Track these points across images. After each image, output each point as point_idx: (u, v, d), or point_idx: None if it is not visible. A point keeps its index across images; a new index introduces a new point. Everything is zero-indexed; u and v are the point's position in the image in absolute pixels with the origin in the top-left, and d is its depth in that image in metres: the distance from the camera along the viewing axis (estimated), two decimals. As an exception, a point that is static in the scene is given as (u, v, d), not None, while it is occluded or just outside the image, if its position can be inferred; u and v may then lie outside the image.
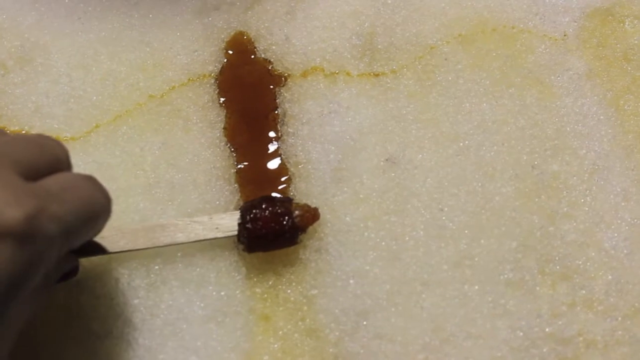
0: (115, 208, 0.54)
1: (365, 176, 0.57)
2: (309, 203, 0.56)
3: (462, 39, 0.62)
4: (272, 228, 0.53)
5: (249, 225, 0.53)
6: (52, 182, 0.42)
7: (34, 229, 0.39)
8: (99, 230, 0.47)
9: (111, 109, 0.60)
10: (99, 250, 0.52)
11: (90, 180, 0.45)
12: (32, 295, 0.42)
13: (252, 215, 0.53)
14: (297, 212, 0.54)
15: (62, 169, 0.45)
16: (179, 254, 0.55)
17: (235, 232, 0.53)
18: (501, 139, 0.59)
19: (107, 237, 0.52)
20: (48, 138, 0.46)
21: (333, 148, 0.58)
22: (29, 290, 0.40)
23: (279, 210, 0.53)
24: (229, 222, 0.54)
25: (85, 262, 0.54)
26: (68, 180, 0.43)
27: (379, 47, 0.62)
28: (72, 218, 0.41)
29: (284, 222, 0.53)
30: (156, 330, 0.53)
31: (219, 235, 0.54)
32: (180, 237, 0.53)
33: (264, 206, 0.53)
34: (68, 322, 0.53)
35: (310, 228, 0.55)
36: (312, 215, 0.54)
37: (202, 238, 0.53)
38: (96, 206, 0.45)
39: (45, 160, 0.44)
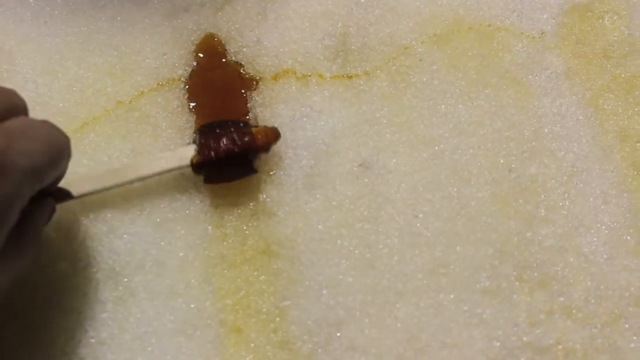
0: (82, 219, 0.53)
1: (338, 182, 0.56)
2: (281, 211, 0.55)
3: (437, 39, 0.61)
4: (229, 144, 0.53)
5: (204, 144, 0.53)
6: (13, 123, 0.44)
7: (6, 163, 0.41)
8: (62, 171, 0.49)
9: (78, 115, 0.59)
10: (66, 196, 0.52)
11: (47, 122, 0.46)
12: (17, 243, 0.45)
13: (208, 137, 0.53)
14: (255, 130, 0.54)
15: (19, 114, 0.46)
16: (148, 264, 0.54)
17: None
18: (477, 141, 0.57)
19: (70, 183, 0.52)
20: (3, 87, 0.47)
21: (305, 153, 0.57)
22: (9, 227, 0.43)
23: (236, 128, 0.54)
24: (183, 155, 0.54)
25: (51, 273, 0.53)
26: (27, 121, 0.45)
27: (352, 47, 0.61)
28: (39, 154, 0.43)
29: (241, 136, 0.53)
30: (125, 344, 0.52)
31: (172, 165, 0.54)
32: (135, 174, 0.54)
33: (219, 129, 0.54)
34: (34, 337, 0.52)
35: (282, 235, 0.54)
36: (271, 132, 0.55)
37: (157, 171, 0.54)
38: (59, 143, 0.46)
39: (4, 105, 0.45)
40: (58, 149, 0.46)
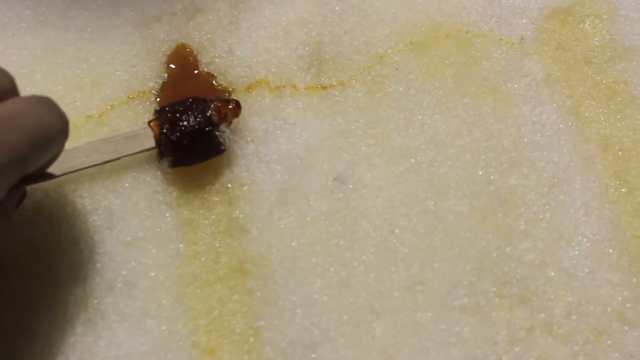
0: (51, 239, 0.52)
1: (312, 197, 0.55)
2: (254, 227, 0.54)
3: (413, 47, 0.59)
4: (190, 118, 0.53)
5: (165, 130, 0.53)
6: (0, 109, 0.41)
7: None
8: (55, 155, 0.46)
9: (46, 131, 0.57)
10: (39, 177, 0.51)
11: (43, 102, 0.44)
12: None
13: (168, 115, 0.53)
14: (214, 104, 0.54)
15: (8, 97, 0.44)
16: (118, 285, 0.52)
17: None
18: (455, 153, 0.56)
19: None
20: None
21: (279, 167, 0.55)
22: None
23: (195, 104, 0.53)
24: (146, 137, 0.54)
25: (19, 296, 0.52)
26: (17, 106, 0.42)
27: (327, 57, 0.59)
28: (23, 145, 0.41)
29: (202, 109, 0.53)
30: (95, 369, 0.51)
31: (138, 148, 0.53)
32: (100, 158, 0.53)
33: (177, 107, 0.53)
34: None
35: (256, 253, 0.53)
36: (231, 103, 0.55)
37: (121, 155, 0.53)
38: (49, 131, 0.43)
39: None
40: (48, 137, 0.43)
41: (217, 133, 0.53)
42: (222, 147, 0.54)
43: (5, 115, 0.41)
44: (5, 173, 0.41)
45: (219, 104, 0.54)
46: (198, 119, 0.53)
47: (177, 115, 0.53)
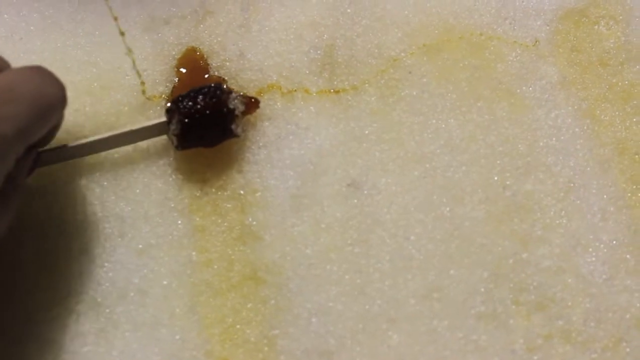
0: (61, 247, 0.51)
1: (326, 203, 0.54)
2: (268, 234, 0.53)
3: (426, 50, 0.59)
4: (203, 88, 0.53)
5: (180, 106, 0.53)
6: None
7: None
8: (57, 123, 0.47)
9: (56, 136, 0.56)
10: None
11: (39, 71, 0.44)
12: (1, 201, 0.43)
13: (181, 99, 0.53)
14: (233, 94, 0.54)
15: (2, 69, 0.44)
16: (131, 294, 0.52)
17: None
18: (470, 157, 0.55)
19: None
20: None
21: (292, 173, 0.55)
22: None
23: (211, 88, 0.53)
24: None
25: (29, 305, 0.51)
26: (14, 78, 0.43)
27: (339, 60, 0.58)
28: (25, 115, 0.41)
29: (217, 92, 0.53)
30: (108, 379, 0.50)
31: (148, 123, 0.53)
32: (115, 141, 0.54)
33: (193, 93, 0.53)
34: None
35: (269, 260, 0.52)
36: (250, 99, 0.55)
37: (131, 128, 0.53)
38: (48, 98, 0.44)
39: None
40: (48, 105, 0.44)
41: (229, 100, 0.53)
42: (234, 133, 0.53)
43: (4, 88, 0.41)
44: (13, 146, 0.41)
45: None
46: (211, 87, 0.53)
47: (192, 96, 0.53)
